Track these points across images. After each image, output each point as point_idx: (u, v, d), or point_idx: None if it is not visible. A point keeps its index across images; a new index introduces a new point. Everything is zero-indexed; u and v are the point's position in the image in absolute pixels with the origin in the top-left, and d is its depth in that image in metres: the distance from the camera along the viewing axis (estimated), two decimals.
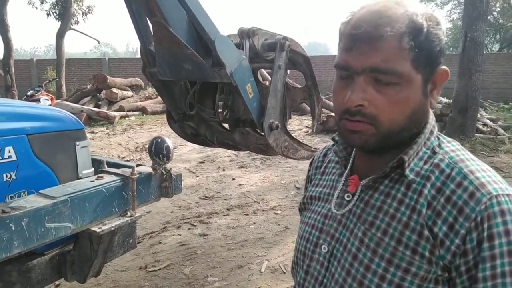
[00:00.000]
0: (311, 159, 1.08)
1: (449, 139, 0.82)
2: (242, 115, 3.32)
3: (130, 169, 1.93)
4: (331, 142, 0.98)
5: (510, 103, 12.89)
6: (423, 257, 0.71)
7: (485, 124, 8.72)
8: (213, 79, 2.86)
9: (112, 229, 1.87)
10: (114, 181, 1.91)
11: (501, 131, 8.27)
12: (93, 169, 2.17)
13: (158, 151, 1.98)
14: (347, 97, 0.73)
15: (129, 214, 1.93)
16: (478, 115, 8.46)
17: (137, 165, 2.18)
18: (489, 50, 22.48)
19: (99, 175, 1.95)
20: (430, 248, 0.70)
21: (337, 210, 0.84)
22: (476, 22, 7.49)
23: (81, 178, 2.05)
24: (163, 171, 2.05)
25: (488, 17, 20.41)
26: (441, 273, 0.70)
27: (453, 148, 0.79)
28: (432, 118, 0.81)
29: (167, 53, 2.86)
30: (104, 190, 1.84)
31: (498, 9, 20.95)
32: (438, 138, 0.81)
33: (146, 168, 2.12)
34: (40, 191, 1.73)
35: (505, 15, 20.26)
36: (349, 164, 0.88)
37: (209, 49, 2.76)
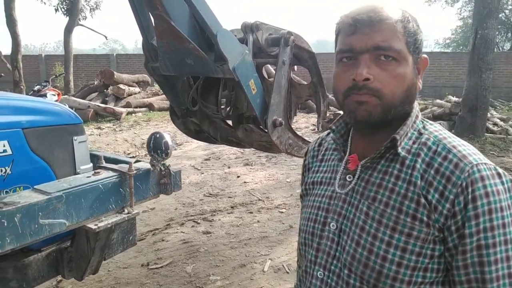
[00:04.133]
0: (306, 150, 1.16)
1: (432, 122, 0.94)
2: (246, 111, 3.27)
3: (128, 165, 1.88)
4: (325, 133, 1.11)
5: None
6: (422, 221, 0.82)
7: (495, 124, 8.57)
8: (216, 74, 2.81)
9: (109, 226, 1.82)
10: (111, 177, 1.87)
11: None
12: (91, 164, 2.13)
13: (157, 147, 1.94)
14: (354, 73, 0.83)
15: (126, 211, 1.89)
16: (488, 115, 8.31)
17: (136, 161, 2.14)
18: (500, 48, 22.13)
19: (96, 170, 1.90)
20: (427, 213, 0.81)
21: (341, 190, 0.94)
22: (486, 19, 7.35)
23: (79, 174, 2.02)
24: (162, 168, 2.00)
25: (500, 15, 20.12)
26: (438, 234, 0.82)
27: (436, 129, 0.91)
28: (416, 104, 0.94)
29: (169, 48, 2.81)
30: (100, 186, 1.79)
31: (510, 7, 20.62)
32: (422, 122, 0.93)
33: (145, 164, 2.07)
34: (35, 187, 1.69)
35: None
36: (348, 149, 0.98)
37: (212, 43, 2.71)
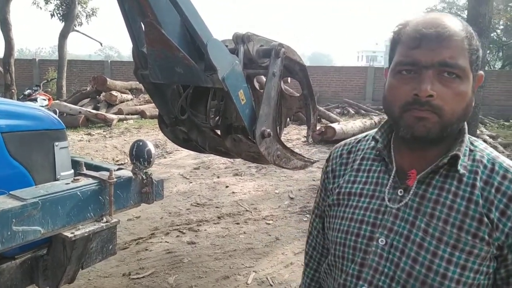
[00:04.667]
0: (328, 156, 1.14)
1: (473, 138, 0.96)
2: (234, 121, 3.25)
3: (109, 173, 1.85)
4: (352, 139, 1.10)
5: (511, 121, 12.80)
6: (483, 240, 0.83)
7: (485, 141, 8.64)
8: (205, 84, 2.79)
9: (86, 234, 1.78)
10: (90, 184, 1.83)
11: (501, 148, 8.20)
12: (72, 171, 2.09)
13: (139, 155, 1.90)
14: (418, 88, 0.82)
15: (105, 219, 1.85)
16: (478, 132, 8.38)
17: (118, 169, 2.10)
18: (492, 67, 22.46)
19: (76, 177, 1.86)
20: (488, 232, 0.83)
21: (392, 204, 0.92)
22: (478, 38, 7.46)
23: (59, 180, 1.97)
24: (144, 176, 1.97)
25: (492, 34, 20.44)
26: (495, 252, 0.84)
27: (485, 146, 0.94)
28: None
29: (159, 56, 2.79)
30: (79, 193, 1.75)
31: (502, 27, 20.99)
32: (469, 138, 0.94)
33: (126, 172, 2.03)
34: (11, 192, 1.65)
35: (508, 32, 20.27)
36: (393, 162, 0.95)
37: (202, 53, 2.70)
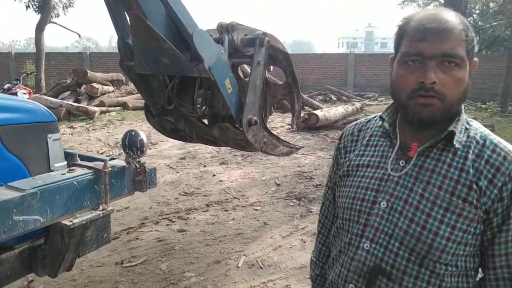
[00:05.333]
0: (341, 134, 1.27)
1: (471, 118, 1.09)
2: (221, 110, 3.31)
3: (103, 162, 1.90)
4: (363, 120, 1.25)
5: (488, 103, 13.15)
6: (472, 204, 0.96)
7: None
8: (192, 74, 2.85)
9: (84, 222, 1.84)
10: (86, 174, 1.88)
11: None
12: (65, 162, 2.13)
13: (132, 144, 1.96)
14: (423, 77, 0.94)
15: (101, 207, 1.91)
16: None
17: (111, 159, 2.15)
18: None
19: (71, 168, 1.91)
20: (477, 197, 0.96)
21: (395, 173, 1.05)
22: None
23: (53, 171, 2.02)
24: (137, 165, 2.03)
25: (469, 19, 20.81)
26: (482, 215, 0.96)
27: (479, 125, 1.06)
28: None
29: (145, 47, 2.83)
30: (75, 183, 1.81)
31: (478, 11, 21.37)
32: (466, 118, 1.06)
33: (120, 161, 2.09)
34: (9, 184, 1.69)
35: (484, 16, 20.65)
36: (398, 137, 1.08)
37: (188, 43, 2.74)
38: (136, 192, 2.29)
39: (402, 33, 1.01)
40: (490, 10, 19.96)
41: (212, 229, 4.01)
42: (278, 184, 5.38)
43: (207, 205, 4.65)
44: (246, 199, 4.86)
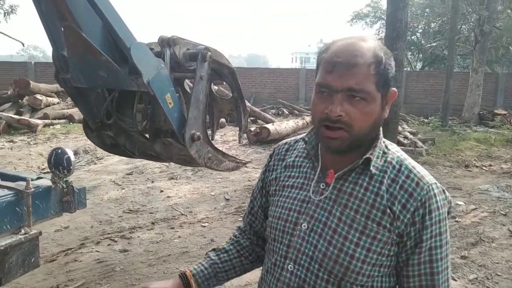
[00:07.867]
0: (272, 152, 1.30)
1: (389, 142, 1.12)
2: (163, 125, 3.22)
3: (25, 182, 1.77)
4: (292, 139, 1.28)
5: (430, 118, 13.86)
6: (385, 228, 0.99)
7: (405, 137, 9.30)
8: (130, 88, 2.75)
9: (2, 248, 1.69)
10: (6, 195, 1.74)
11: (420, 143, 8.86)
12: None
13: (58, 162, 1.85)
14: (329, 109, 0.96)
15: (23, 231, 1.77)
16: (401, 129, 8.99)
17: (38, 178, 2.02)
18: (413, 67, 24.15)
19: None
20: (390, 221, 0.99)
21: (315, 196, 1.08)
22: (396, 42, 7.98)
23: None
24: (64, 185, 1.91)
25: (412, 37, 21.99)
26: (396, 238, 1.00)
27: (396, 149, 1.10)
28: (380, 128, 1.09)
29: (80, 59, 2.70)
30: None
31: (421, 30, 22.63)
32: (384, 142, 1.10)
33: (46, 181, 1.96)
34: None
35: (425, 35, 21.90)
36: (320, 160, 1.12)
37: (126, 56, 2.66)
38: (77, 211, 2.16)
39: (319, 62, 1.03)
40: (430, 30, 21.22)
41: (157, 248, 3.87)
42: (227, 199, 5.32)
43: (153, 223, 4.50)
44: (194, 216, 4.76)
